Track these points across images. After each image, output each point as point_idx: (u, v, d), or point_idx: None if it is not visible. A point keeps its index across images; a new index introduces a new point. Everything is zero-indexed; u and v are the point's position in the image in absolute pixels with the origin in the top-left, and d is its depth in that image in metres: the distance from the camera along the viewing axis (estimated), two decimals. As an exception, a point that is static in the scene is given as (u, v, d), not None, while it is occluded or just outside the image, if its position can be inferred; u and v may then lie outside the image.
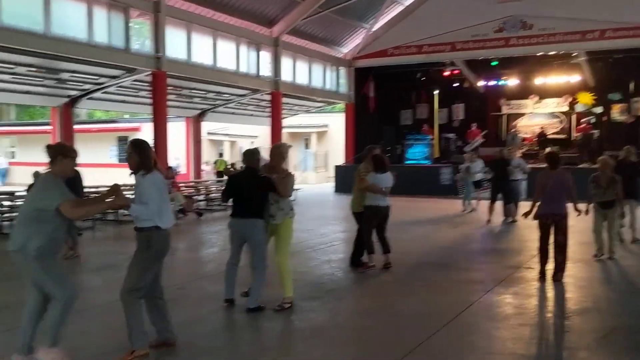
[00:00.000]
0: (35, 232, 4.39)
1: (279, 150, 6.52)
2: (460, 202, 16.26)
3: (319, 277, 7.85)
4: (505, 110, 26.03)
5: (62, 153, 4.55)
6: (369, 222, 8.19)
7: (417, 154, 23.75)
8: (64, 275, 4.62)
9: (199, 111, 23.17)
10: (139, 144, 4.75)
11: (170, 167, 15.70)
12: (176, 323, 5.07)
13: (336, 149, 28.88)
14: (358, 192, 8.34)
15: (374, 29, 23.76)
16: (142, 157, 4.67)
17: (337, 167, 24.16)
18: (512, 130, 24.84)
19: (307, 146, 34.11)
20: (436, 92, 25.91)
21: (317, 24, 22.04)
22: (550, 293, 7.06)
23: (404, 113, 27.30)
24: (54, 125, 18.67)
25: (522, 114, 25.80)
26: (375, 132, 24.09)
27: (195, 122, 23.33)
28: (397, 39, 23.35)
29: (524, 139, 24.24)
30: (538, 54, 22.11)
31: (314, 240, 11.23)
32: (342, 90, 25.33)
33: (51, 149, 4.67)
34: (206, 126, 26.45)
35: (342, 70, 25.18)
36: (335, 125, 30.74)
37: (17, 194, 12.62)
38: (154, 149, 5.05)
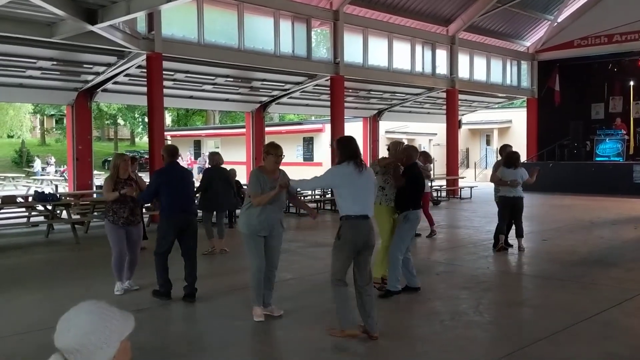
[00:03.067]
0: (244, 214, 5.73)
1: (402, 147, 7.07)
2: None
3: (473, 270, 8.13)
4: None
5: (265, 152, 5.77)
6: (500, 210, 9.43)
7: (608, 150, 22.12)
8: (258, 252, 5.63)
9: (375, 111, 24.08)
10: (338, 140, 5.40)
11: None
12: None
13: (520, 145, 27.86)
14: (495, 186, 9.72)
15: (558, 20, 22.66)
16: (337, 151, 5.27)
17: (517, 164, 23.43)
18: None
19: (488, 142, 33.34)
20: (631, 83, 23.96)
21: (496, 18, 21.66)
22: None
23: (594, 107, 25.58)
24: (248, 128, 20.89)
25: None
26: (560, 127, 23.00)
27: (373, 122, 24.30)
28: (584, 29, 22.06)
29: None
30: None
31: (478, 236, 11.40)
32: (524, 85, 24.53)
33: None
34: (385, 125, 27.27)
35: (524, 64, 24.36)
36: (519, 120, 29.66)
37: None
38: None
